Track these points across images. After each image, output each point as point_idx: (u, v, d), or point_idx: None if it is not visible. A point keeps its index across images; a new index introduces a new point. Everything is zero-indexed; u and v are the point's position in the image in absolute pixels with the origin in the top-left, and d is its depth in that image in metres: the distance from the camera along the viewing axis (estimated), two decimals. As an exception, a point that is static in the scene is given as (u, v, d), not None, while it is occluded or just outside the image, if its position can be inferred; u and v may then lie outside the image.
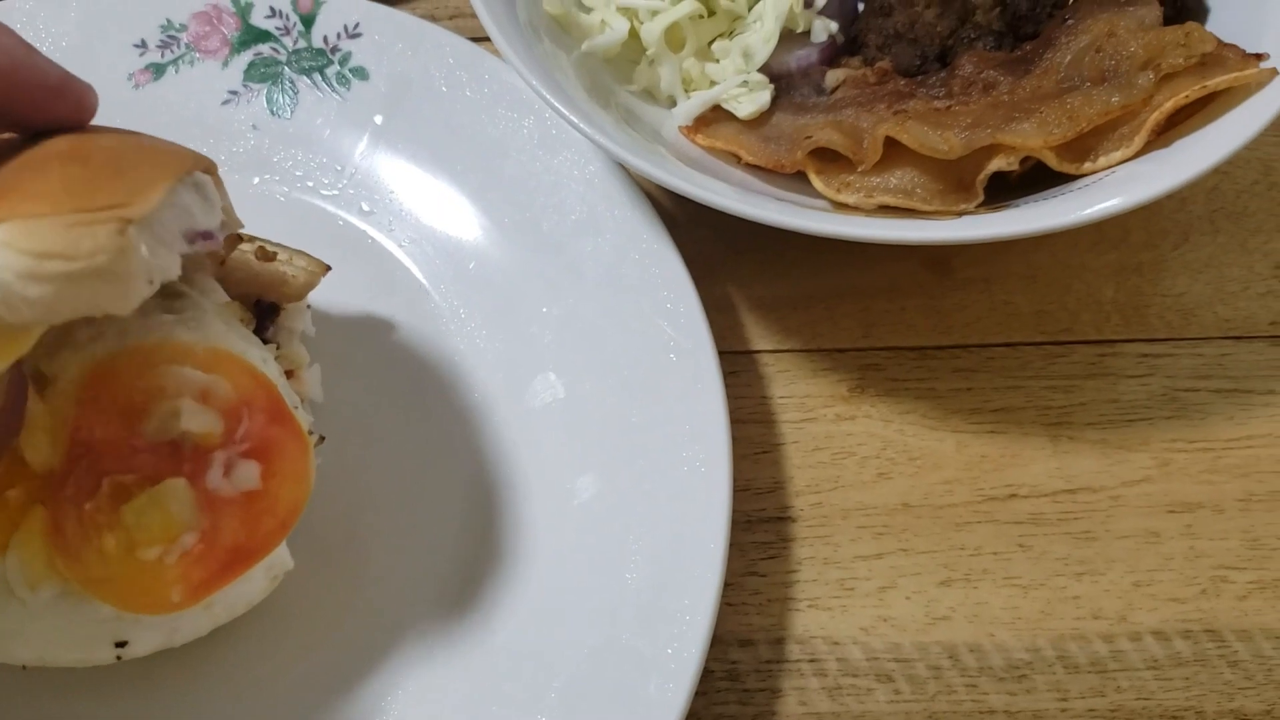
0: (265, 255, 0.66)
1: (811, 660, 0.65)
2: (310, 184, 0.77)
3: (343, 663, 0.63)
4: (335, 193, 0.77)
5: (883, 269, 0.76)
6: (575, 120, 0.66)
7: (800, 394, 0.72)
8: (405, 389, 0.71)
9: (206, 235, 0.56)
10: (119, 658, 0.58)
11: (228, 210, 0.58)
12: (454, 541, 0.66)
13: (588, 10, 0.77)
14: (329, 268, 0.68)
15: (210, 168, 0.57)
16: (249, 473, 0.57)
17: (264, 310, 0.66)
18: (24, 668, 0.59)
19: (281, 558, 0.60)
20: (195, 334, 0.60)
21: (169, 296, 0.63)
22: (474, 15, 0.70)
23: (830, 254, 0.76)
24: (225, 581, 0.56)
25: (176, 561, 0.55)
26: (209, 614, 0.59)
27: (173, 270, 0.52)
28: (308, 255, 0.67)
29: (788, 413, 0.72)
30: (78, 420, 0.56)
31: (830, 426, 0.71)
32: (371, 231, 0.76)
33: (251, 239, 0.66)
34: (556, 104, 0.67)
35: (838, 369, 0.73)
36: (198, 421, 0.57)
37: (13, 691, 0.62)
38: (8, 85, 0.51)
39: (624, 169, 0.73)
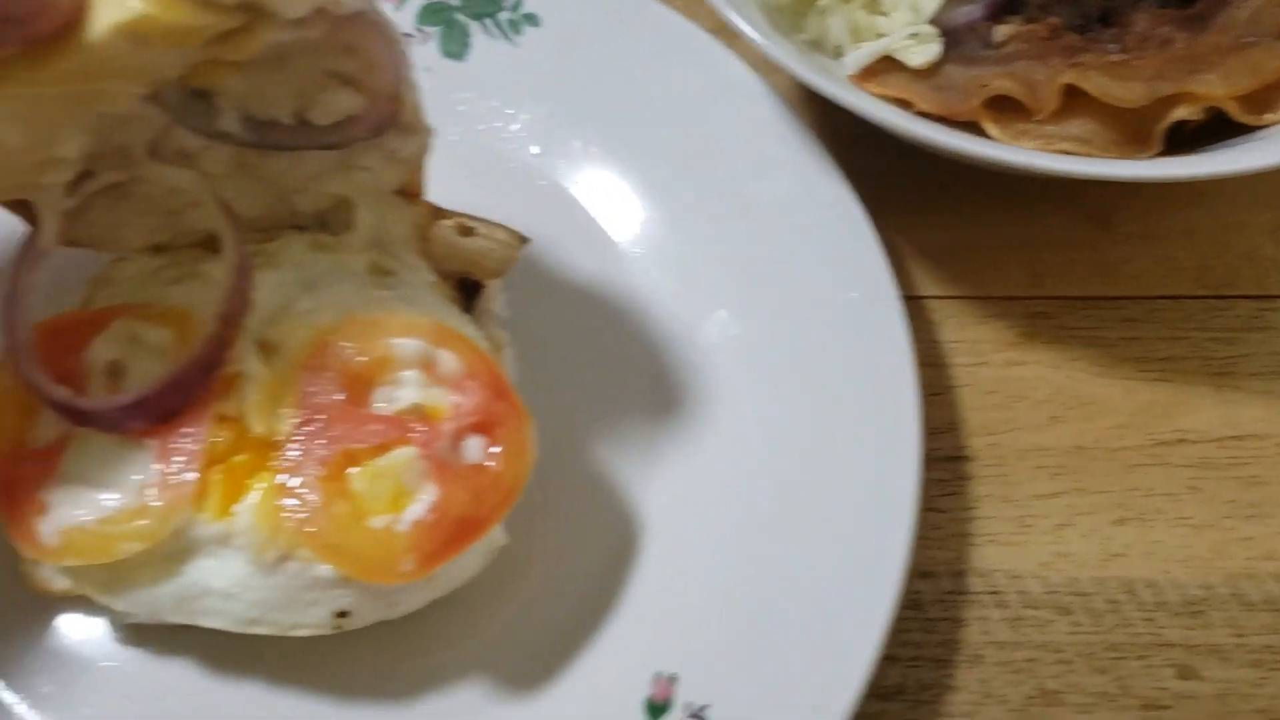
0: (464, 230, 0.67)
1: (992, 592, 0.67)
2: (482, 127, 0.78)
3: (555, 626, 0.64)
4: (508, 135, 0.78)
5: (1046, 222, 0.78)
6: (764, 44, 0.68)
7: (971, 339, 0.74)
8: (588, 327, 0.72)
9: None
10: (337, 627, 0.59)
11: None
12: (643, 483, 0.68)
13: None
14: (526, 239, 0.68)
15: None
16: (476, 446, 0.58)
17: (469, 288, 0.67)
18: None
19: (497, 532, 0.61)
20: (415, 309, 0.61)
21: (381, 273, 0.64)
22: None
23: (995, 205, 0.78)
24: (455, 552, 0.57)
25: (409, 530, 0.56)
26: (430, 586, 0.60)
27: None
28: (505, 227, 0.68)
29: (959, 356, 0.73)
30: (304, 388, 0.58)
31: (1001, 371, 0.73)
32: (544, 173, 0.77)
33: (450, 214, 0.67)
34: (748, 30, 0.68)
35: (1006, 316, 0.75)
36: (426, 394, 0.59)
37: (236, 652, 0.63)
38: None
39: (793, 115, 0.74)
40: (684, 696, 0.61)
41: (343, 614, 0.58)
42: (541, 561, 0.65)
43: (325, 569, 0.57)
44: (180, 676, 0.64)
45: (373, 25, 0.56)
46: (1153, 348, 0.74)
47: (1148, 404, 0.72)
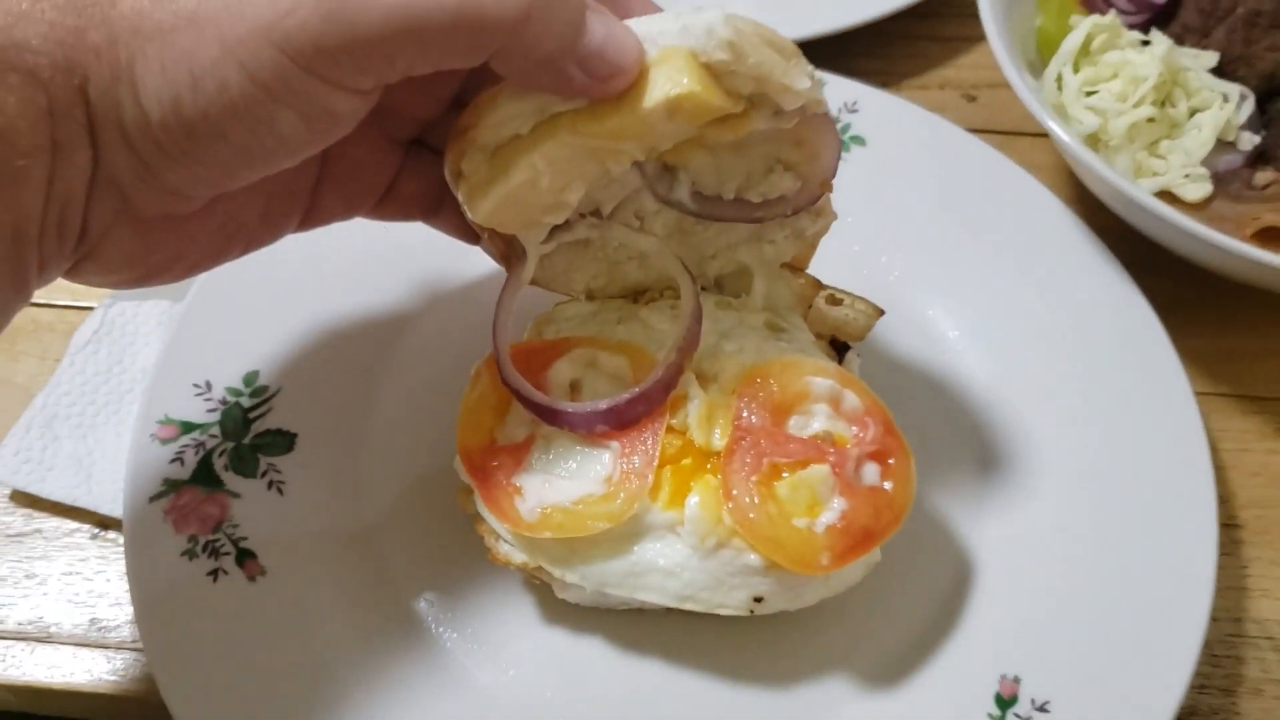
0: (834, 301, 0.79)
1: (1268, 638, 0.79)
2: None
3: (913, 636, 0.76)
4: (835, 230, 0.92)
5: (1297, 336, 0.92)
6: (1090, 161, 0.84)
7: (1236, 429, 0.87)
8: (920, 394, 0.85)
9: None
10: (752, 611, 0.69)
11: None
12: (981, 521, 0.80)
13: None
14: (883, 311, 0.80)
15: None
16: (873, 471, 0.70)
17: (838, 348, 0.79)
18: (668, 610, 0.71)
19: (875, 550, 0.71)
20: (815, 358, 0.74)
21: (775, 329, 0.77)
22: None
23: (1254, 319, 0.92)
24: (858, 555, 0.68)
25: (824, 532, 0.67)
26: (825, 585, 0.70)
27: (818, 91, 0.67)
28: (865, 300, 0.80)
29: (1226, 443, 0.87)
30: (737, 410, 0.70)
31: (1263, 457, 0.86)
32: (866, 263, 0.91)
33: (822, 286, 0.79)
34: (1073, 146, 0.84)
35: (1265, 413, 0.88)
36: (833, 424, 0.71)
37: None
38: None
39: (1085, 234, 0.89)
40: (1028, 694, 0.72)
41: (758, 599, 0.70)
42: (900, 580, 0.77)
43: (753, 558, 0.68)
44: (591, 651, 0.75)
45: (825, 122, 0.71)
46: (1396, 446, 0.87)
47: (1394, 492, 0.84)
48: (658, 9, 0.68)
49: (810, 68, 0.66)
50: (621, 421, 0.71)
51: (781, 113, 0.67)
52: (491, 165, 0.67)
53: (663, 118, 0.63)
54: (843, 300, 0.80)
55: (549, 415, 0.71)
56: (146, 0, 0.53)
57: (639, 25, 0.64)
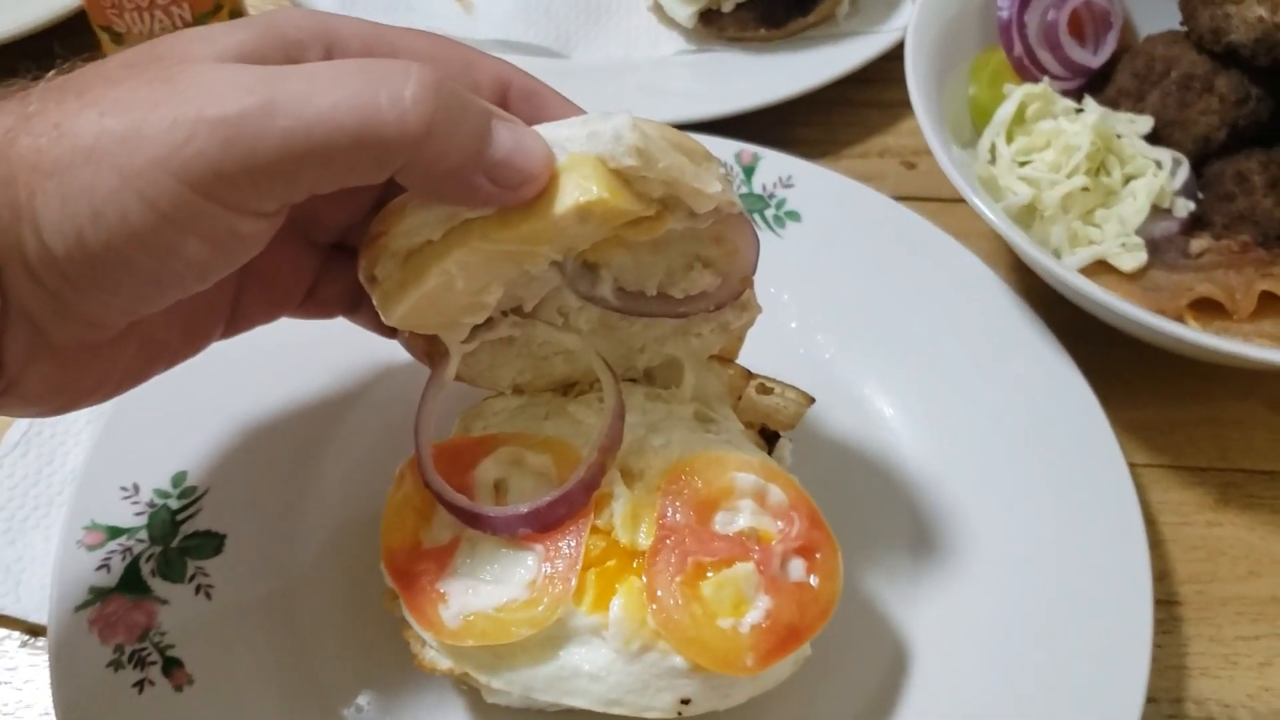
0: (764, 389, 0.79)
1: (1207, 718, 0.78)
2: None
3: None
4: (771, 308, 0.92)
5: (1230, 406, 0.92)
6: (1019, 240, 0.85)
7: (1174, 501, 0.87)
8: (852, 475, 0.85)
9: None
10: (680, 714, 0.69)
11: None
12: (909, 610, 0.80)
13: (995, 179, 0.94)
14: (813, 400, 0.80)
15: None
16: (799, 566, 0.69)
17: (768, 437, 0.79)
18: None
19: (805, 645, 0.70)
20: (741, 452, 0.74)
21: (704, 420, 0.77)
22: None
23: (1187, 391, 0.92)
24: (784, 654, 0.67)
25: (750, 632, 0.67)
26: (754, 684, 0.70)
27: (730, 197, 0.68)
28: (795, 389, 0.79)
29: (1165, 516, 0.86)
30: (662, 509, 0.70)
31: (1203, 530, 0.86)
32: (802, 342, 0.91)
33: (752, 376, 0.79)
34: (1001, 224, 0.85)
35: (1203, 484, 0.88)
36: (760, 520, 0.70)
37: None
38: None
39: (1024, 307, 0.89)
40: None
41: (685, 701, 0.69)
42: (834, 670, 0.76)
43: (678, 660, 0.67)
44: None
45: (743, 221, 0.71)
46: (1335, 515, 0.86)
47: (1334, 563, 0.84)
48: (578, 109, 0.68)
49: (721, 169, 0.66)
50: (544, 524, 0.70)
51: (702, 215, 0.67)
52: (404, 270, 0.67)
53: (574, 223, 0.63)
54: (773, 389, 0.80)
55: (470, 519, 0.71)
56: (43, 139, 0.53)
57: (547, 131, 0.63)
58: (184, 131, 0.52)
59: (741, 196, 0.96)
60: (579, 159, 0.63)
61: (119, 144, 0.53)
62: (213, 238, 0.56)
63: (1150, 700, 0.77)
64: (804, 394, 0.80)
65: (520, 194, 0.61)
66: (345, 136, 0.54)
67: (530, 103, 0.67)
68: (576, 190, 0.62)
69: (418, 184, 0.60)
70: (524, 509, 0.70)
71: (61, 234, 0.53)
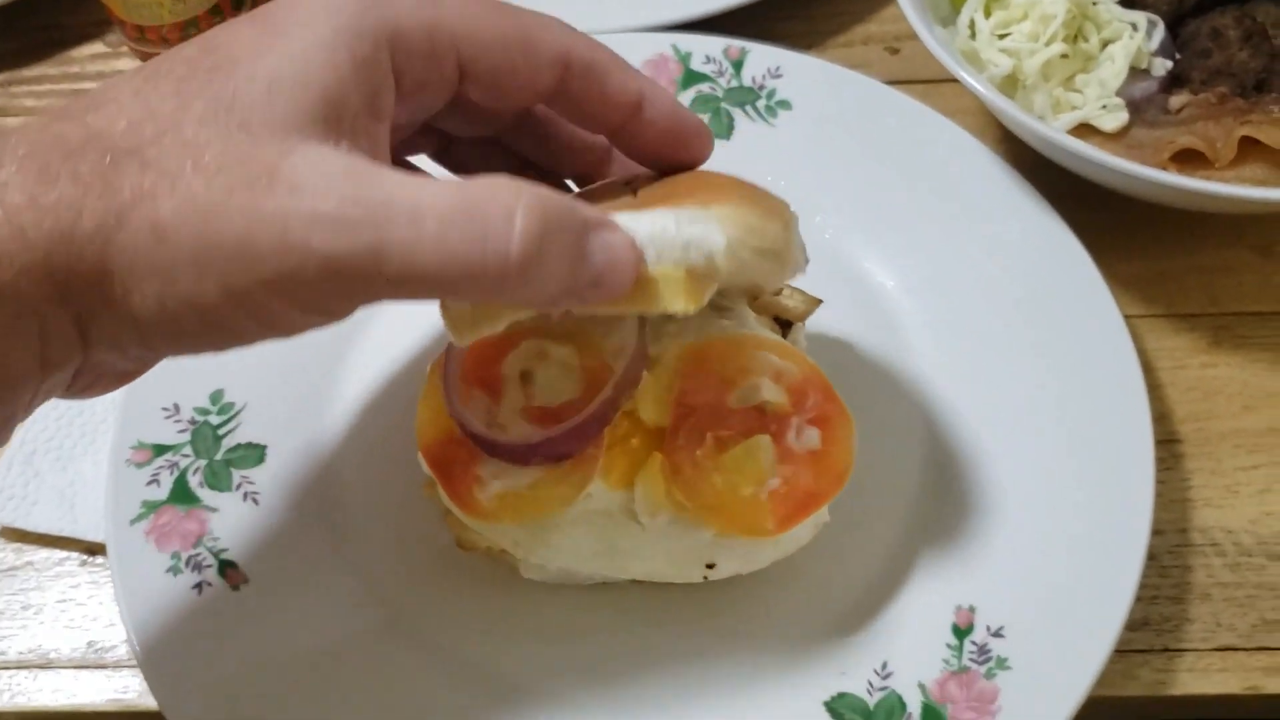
0: (774, 292, 0.82)
1: (1212, 544, 0.82)
2: (747, 192, 0.96)
3: (867, 582, 0.79)
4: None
5: (1217, 253, 0.95)
6: (1001, 104, 0.87)
7: (1169, 347, 0.91)
8: (858, 351, 0.89)
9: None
10: (706, 578, 0.73)
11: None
12: (919, 470, 0.84)
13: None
14: (820, 301, 0.82)
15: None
16: (813, 436, 0.72)
17: (782, 324, 0.81)
18: (633, 581, 0.76)
19: (823, 511, 0.74)
20: (757, 333, 0.77)
21: (720, 309, 0.79)
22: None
23: (1176, 242, 0.95)
24: (803, 516, 0.71)
25: (768, 498, 0.70)
26: (776, 547, 0.73)
27: (803, 267, 0.72)
28: (803, 291, 0.82)
29: (1161, 361, 0.90)
30: (681, 389, 0.73)
31: (1198, 372, 0.89)
32: (800, 227, 0.94)
33: None
34: (987, 93, 0.87)
35: (1196, 329, 0.92)
36: (775, 394, 0.73)
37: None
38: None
39: (1014, 175, 0.92)
40: (983, 621, 0.76)
41: (711, 565, 0.73)
42: (852, 532, 0.80)
43: (702, 528, 0.71)
44: (563, 625, 0.79)
45: None
46: (1324, 349, 0.90)
47: (1328, 392, 0.88)
48: (640, 79, 0.69)
49: (801, 255, 0.72)
50: (557, 455, 0.72)
51: None
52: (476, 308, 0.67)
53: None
54: (782, 291, 0.82)
55: (489, 447, 0.73)
56: (142, 242, 0.52)
57: (638, 224, 0.64)
58: (294, 260, 0.52)
59: (731, 90, 0.99)
60: (669, 274, 0.64)
61: (226, 260, 0.52)
62: (311, 325, 0.58)
63: (1157, 533, 0.82)
64: (812, 297, 0.83)
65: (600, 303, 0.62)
66: (446, 288, 0.56)
67: (588, 78, 0.66)
68: (662, 300, 0.64)
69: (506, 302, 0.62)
70: (536, 439, 0.72)
71: (160, 330, 0.54)
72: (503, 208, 0.54)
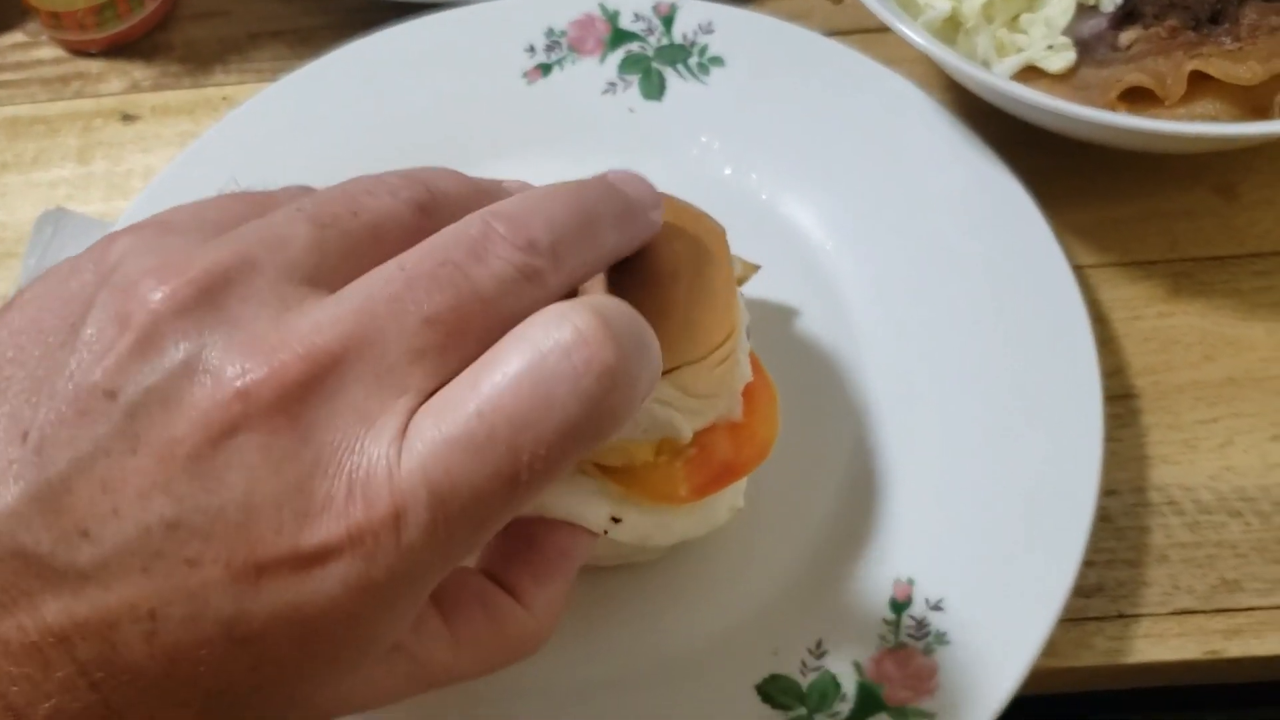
0: None
1: (1170, 503, 0.78)
2: (680, 154, 0.92)
3: (802, 560, 0.75)
4: (704, 160, 0.91)
5: (1179, 195, 0.90)
6: (940, 53, 0.83)
7: (1124, 297, 0.86)
8: (791, 311, 0.84)
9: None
10: (606, 531, 0.68)
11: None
12: (857, 440, 0.80)
13: (914, -6, 0.92)
14: (758, 266, 0.79)
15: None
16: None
17: None
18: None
19: (738, 494, 0.70)
20: None
21: None
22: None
23: (1131, 185, 0.90)
24: (719, 487, 0.67)
25: (682, 465, 0.66)
26: (686, 520, 0.69)
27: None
28: (740, 257, 0.77)
29: (1116, 312, 0.85)
30: None
31: (1155, 322, 0.85)
32: (738, 187, 0.90)
33: None
34: (921, 40, 0.83)
35: (1152, 277, 0.87)
36: None
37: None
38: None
39: (958, 123, 0.88)
40: (922, 594, 0.72)
41: (617, 520, 0.67)
42: (786, 502, 0.77)
43: (613, 487, 0.67)
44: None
45: None
46: (1286, 293, 0.85)
47: (1287, 339, 0.83)
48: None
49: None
50: None
51: None
52: None
53: None
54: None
55: None
56: None
57: None
58: None
59: (662, 49, 0.95)
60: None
61: None
62: None
63: (1112, 493, 0.78)
64: (750, 263, 0.79)
65: None
66: None
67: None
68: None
69: None
70: None
71: None
72: None
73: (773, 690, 0.71)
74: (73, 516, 0.37)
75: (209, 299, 0.39)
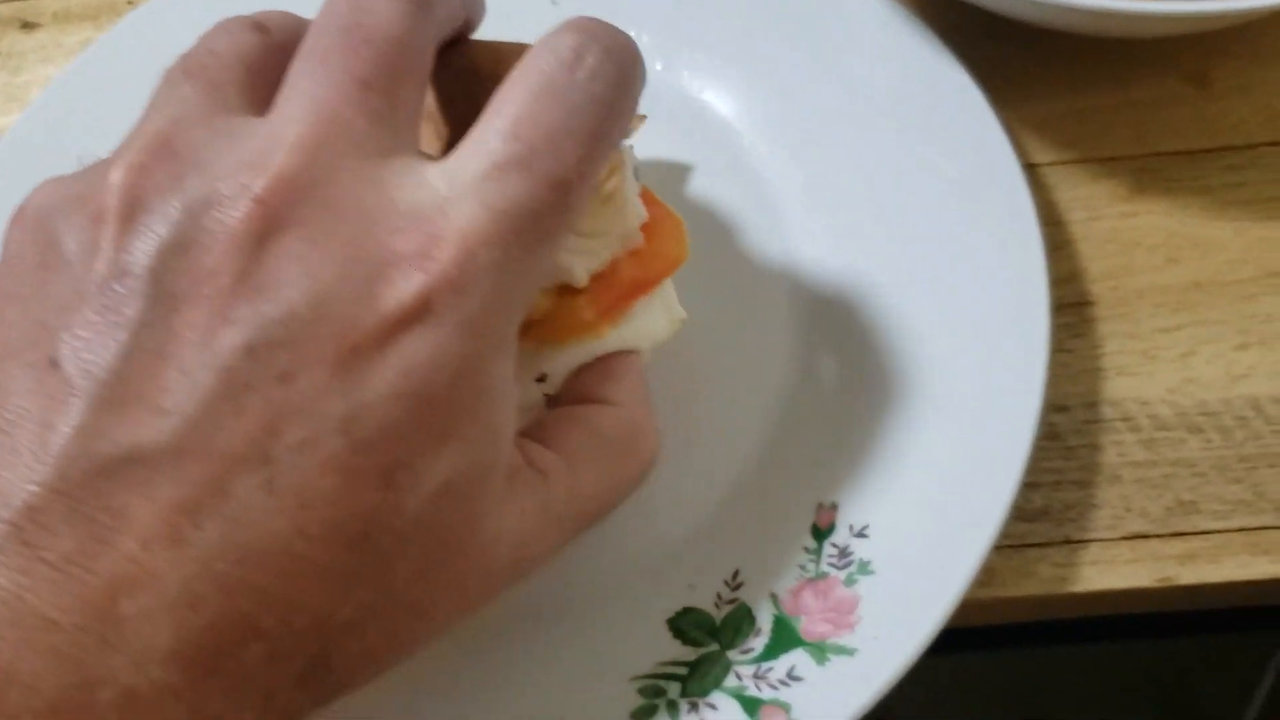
0: None
1: (1125, 419, 0.72)
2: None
3: (723, 480, 0.70)
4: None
5: (1148, 85, 0.83)
6: None
7: (1085, 196, 0.79)
8: (716, 204, 0.78)
9: None
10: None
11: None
12: (783, 343, 0.74)
13: None
14: (645, 117, 0.74)
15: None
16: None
17: None
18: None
19: (676, 305, 0.66)
20: None
21: None
22: None
23: (1096, 75, 0.83)
24: (628, 303, 0.63)
25: (584, 295, 0.61)
26: (618, 338, 0.64)
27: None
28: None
29: (1075, 213, 0.79)
30: None
31: (1116, 223, 0.78)
32: (669, 84, 0.84)
33: None
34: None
35: (1116, 174, 0.80)
36: None
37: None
38: None
39: (900, 14, 0.81)
40: (846, 520, 0.66)
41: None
42: (707, 431, 0.72)
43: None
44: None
45: None
46: (1258, 190, 0.78)
47: (1259, 240, 0.76)
48: None
49: None
50: None
51: None
52: None
53: None
54: None
55: None
56: None
57: None
58: None
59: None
60: None
61: None
62: None
63: (1061, 409, 0.72)
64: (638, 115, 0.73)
65: None
66: None
67: None
68: None
69: None
70: None
71: None
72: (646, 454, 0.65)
73: (684, 624, 0.66)
74: (141, 402, 0.35)
75: (165, 156, 0.39)
